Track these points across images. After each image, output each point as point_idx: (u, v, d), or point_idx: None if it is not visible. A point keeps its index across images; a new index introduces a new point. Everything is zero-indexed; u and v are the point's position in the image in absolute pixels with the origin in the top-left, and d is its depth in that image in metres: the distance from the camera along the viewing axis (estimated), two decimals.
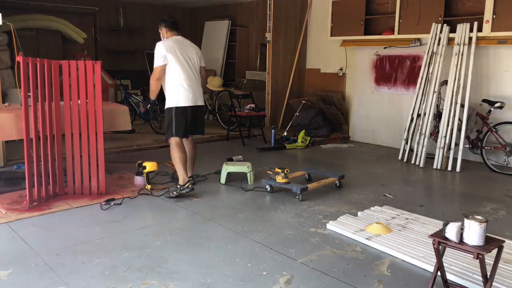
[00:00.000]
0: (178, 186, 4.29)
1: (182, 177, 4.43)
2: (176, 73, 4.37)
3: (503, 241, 2.40)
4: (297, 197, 4.33)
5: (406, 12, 6.45)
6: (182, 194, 4.25)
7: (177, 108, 4.40)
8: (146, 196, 4.40)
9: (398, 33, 6.60)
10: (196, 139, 7.09)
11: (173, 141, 4.49)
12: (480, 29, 5.71)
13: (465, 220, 2.32)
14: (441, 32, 6.09)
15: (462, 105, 5.69)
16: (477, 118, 5.73)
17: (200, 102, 4.57)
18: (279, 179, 4.44)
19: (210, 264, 2.99)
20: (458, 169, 5.62)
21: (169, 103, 4.44)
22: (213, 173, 5.26)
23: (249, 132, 7.52)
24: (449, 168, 5.76)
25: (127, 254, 3.11)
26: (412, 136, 6.26)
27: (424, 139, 6.04)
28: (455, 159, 5.78)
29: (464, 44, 5.83)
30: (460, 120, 5.74)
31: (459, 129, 5.72)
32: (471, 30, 5.78)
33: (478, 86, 5.91)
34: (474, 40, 5.74)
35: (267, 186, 4.55)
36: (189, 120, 4.47)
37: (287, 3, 8.12)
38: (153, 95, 4.52)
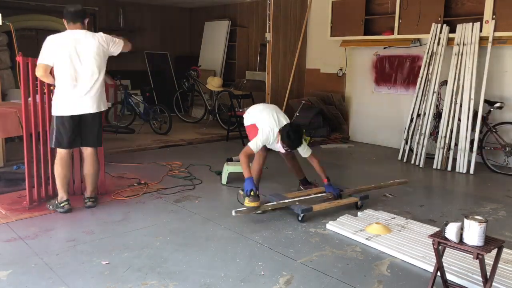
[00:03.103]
0: (56, 202, 3.89)
1: (60, 194, 3.88)
2: (60, 76, 3.73)
3: (503, 241, 2.40)
4: (299, 218, 3.77)
5: (406, 12, 6.45)
6: (56, 210, 3.87)
7: (57, 117, 3.79)
8: (146, 196, 4.40)
9: (398, 33, 6.59)
10: (196, 139, 7.06)
11: (58, 153, 3.89)
12: (480, 29, 5.71)
13: (465, 220, 2.33)
14: (440, 32, 6.09)
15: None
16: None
17: (89, 110, 3.83)
18: (246, 202, 3.75)
19: (210, 264, 2.99)
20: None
21: (53, 110, 3.84)
22: (213, 173, 5.26)
23: None
24: (449, 168, 5.76)
25: (127, 254, 3.11)
26: (412, 136, 6.26)
27: (424, 139, 6.04)
28: (454, 159, 5.78)
29: (464, 44, 5.83)
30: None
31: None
32: (471, 31, 5.79)
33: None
34: (474, 40, 5.74)
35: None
36: (73, 130, 3.82)
37: (287, 3, 8.11)
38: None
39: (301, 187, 4.61)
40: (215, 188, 4.75)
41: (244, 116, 4.48)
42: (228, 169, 4.88)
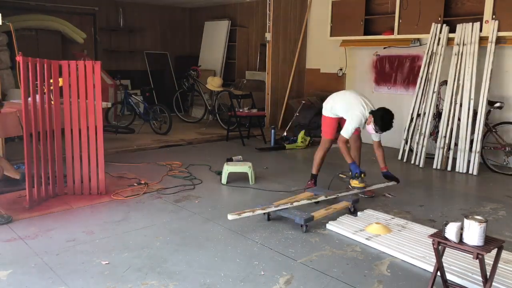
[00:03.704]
0: None
1: None
2: None
3: (503, 241, 2.40)
4: (302, 228, 3.60)
5: (406, 12, 6.45)
6: None
7: None
8: (146, 196, 4.40)
9: (398, 33, 6.59)
10: (195, 139, 7.09)
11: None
12: (480, 29, 5.71)
13: (465, 220, 2.33)
14: (440, 32, 6.09)
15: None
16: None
17: None
18: (355, 183, 4.25)
19: (210, 264, 2.99)
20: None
21: None
22: (213, 173, 5.26)
23: (248, 132, 7.52)
24: (449, 168, 5.76)
25: (127, 254, 3.11)
26: (412, 136, 6.26)
27: (423, 139, 6.04)
28: (454, 159, 5.78)
29: (464, 44, 5.83)
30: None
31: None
32: (471, 30, 5.79)
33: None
34: (474, 40, 5.74)
35: (265, 215, 3.81)
36: None
37: (286, 3, 8.11)
38: None
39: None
40: (215, 188, 4.75)
41: (326, 106, 4.76)
42: (228, 169, 4.87)
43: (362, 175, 4.25)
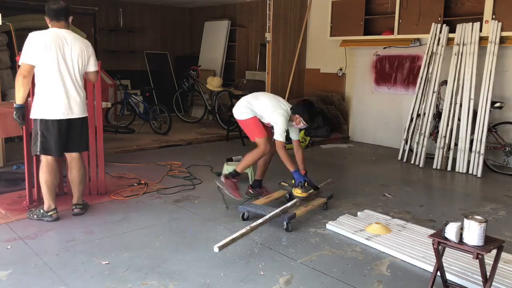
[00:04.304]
0: (41, 211, 3.69)
1: (47, 202, 3.69)
2: (46, 76, 3.52)
3: (503, 241, 2.40)
4: (285, 227, 3.61)
5: (406, 12, 6.45)
6: (41, 220, 3.69)
7: (42, 120, 3.57)
8: (146, 196, 4.40)
9: (398, 33, 6.60)
10: (195, 139, 7.06)
11: (43, 159, 3.68)
12: (480, 29, 5.71)
13: (465, 220, 2.33)
14: (440, 32, 6.09)
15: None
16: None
17: (77, 114, 3.67)
18: (298, 192, 3.98)
19: (210, 264, 2.99)
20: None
21: (34, 113, 3.59)
22: (213, 173, 5.26)
23: None
24: (449, 168, 5.77)
25: (127, 254, 3.11)
26: (411, 136, 6.26)
27: (423, 139, 6.04)
28: (454, 159, 5.78)
29: (463, 44, 5.83)
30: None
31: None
32: (471, 30, 5.79)
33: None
34: (474, 40, 5.74)
35: (245, 213, 3.83)
36: (61, 135, 3.62)
37: (286, 3, 8.11)
38: (20, 99, 3.52)
39: (250, 190, 4.45)
40: (215, 188, 4.74)
41: (236, 111, 4.26)
42: (228, 169, 4.87)
43: (306, 183, 3.97)
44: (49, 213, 3.68)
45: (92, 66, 3.76)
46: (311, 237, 3.48)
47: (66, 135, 3.67)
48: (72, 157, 3.82)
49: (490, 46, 5.60)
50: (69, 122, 3.65)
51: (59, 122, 3.59)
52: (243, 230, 3.24)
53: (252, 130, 4.19)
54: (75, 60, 3.60)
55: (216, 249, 2.97)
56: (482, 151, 5.51)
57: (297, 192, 3.97)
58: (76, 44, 3.60)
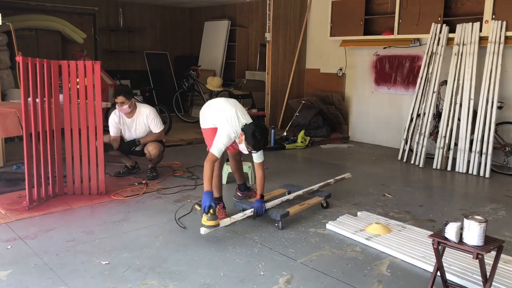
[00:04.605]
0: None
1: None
2: None
3: (503, 241, 2.40)
4: (276, 224, 3.59)
5: (406, 12, 6.46)
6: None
7: None
8: (146, 196, 4.40)
9: (398, 33, 6.60)
10: (195, 139, 7.09)
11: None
12: (480, 29, 5.71)
13: (465, 220, 2.33)
14: (440, 32, 6.09)
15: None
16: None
17: None
18: (204, 220, 3.31)
19: (210, 264, 2.99)
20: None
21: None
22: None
23: None
24: (449, 168, 5.77)
25: (127, 254, 3.11)
26: (411, 136, 6.26)
27: (423, 139, 6.04)
28: (454, 159, 5.78)
29: (463, 44, 5.83)
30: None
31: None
32: (471, 30, 5.79)
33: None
34: (474, 40, 5.74)
35: (241, 210, 3.71)
36: None
37: (286, 3, 8.12)
38: None
39: (238, 193, 4.36)
40: None
41: (201, 116, 3.94)
42: (228, 169, 4.87)
43: (211, 210, 3.30)
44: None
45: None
46: (311, 237, 3.48)
47: None
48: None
49: (491, 46, 5.60)
50: None
51: None
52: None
53: (207, 140, 3.86)
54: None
55: (202, 232, 3.25)
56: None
57: (204, 220, 3.31)
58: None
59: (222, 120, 3.59)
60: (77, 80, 4.15)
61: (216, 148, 3.50)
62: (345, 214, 3.94)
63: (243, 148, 3.54)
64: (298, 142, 6.95)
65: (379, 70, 7.26)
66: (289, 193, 4.17)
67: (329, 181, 4.44)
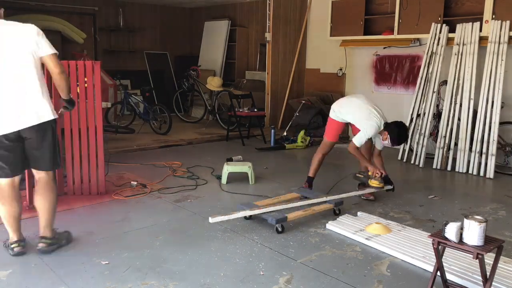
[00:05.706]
0: (7, 242, 3.11)
1: (9, 234, 3.08)
2: None
3: (503, 241, 2.40)
4: (278, 229, 3.56)
5: (406, 12, 6.46)
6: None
7: None
8: (146, 196, 4.40)
9: (398, 33, 6.60)
10: (195, 139, 7.04)
11: None
12: (479, 29, 5.71)
13: (465, 220, 2.33)
14: (440, 32, 6.09)
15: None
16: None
17: (28, 123, 2.86)
18: (374, 183, 4.21)
19: (210, 264, 2.99)
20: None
21: None
22: (214, 176, 5.26)
23: (248, 132, 7.52)
24: (449, 168, 5.77)
25: (127, 254, 3.11)
26: (411, 136, 6.26)
27: (423, 139, 6.04)
28: (454, 159, 5.78)
29: (463, 44, 5.83)
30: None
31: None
32: (471, 30, 5.79)
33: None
34: (474, 40, 5.74)
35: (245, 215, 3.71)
36: (9, 153, 2.90)
37: (286, 3, 8.12)
38: None
39: (304, 187, 4.54)
40: (215, 188, 4.75)
41: (334, 109, 4.47)
42: (228, 169, 4.87)
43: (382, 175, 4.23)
44: (12, 246, 3.04)
45: (46, 48, 2.90)
46: (311, 237, 3.48)
47: (15, 152, 2.92)
48: (38, 176, 3.08)
49: (491, 45, 5.59)
50: (17, 136, 2.89)
51: (5, 137, 2.86)
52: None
53: (328, 129, 4.55)
54: (16, 54, 2.82)
55: (210, 220, 3.42)
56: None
57: (373, 183, 4.20)
58: (14, 34, 2.85)
59: (371, 117, 4.16)
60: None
61: (359, 140, 4.14)
62: (345, 214, 3.94)
63: (387, 143, 4.21)
64: (298, 142, 6.95)
65: (379, 70, 7.27)
66: (302, 198, 4.12)
67: (354, 193, 4.37)
